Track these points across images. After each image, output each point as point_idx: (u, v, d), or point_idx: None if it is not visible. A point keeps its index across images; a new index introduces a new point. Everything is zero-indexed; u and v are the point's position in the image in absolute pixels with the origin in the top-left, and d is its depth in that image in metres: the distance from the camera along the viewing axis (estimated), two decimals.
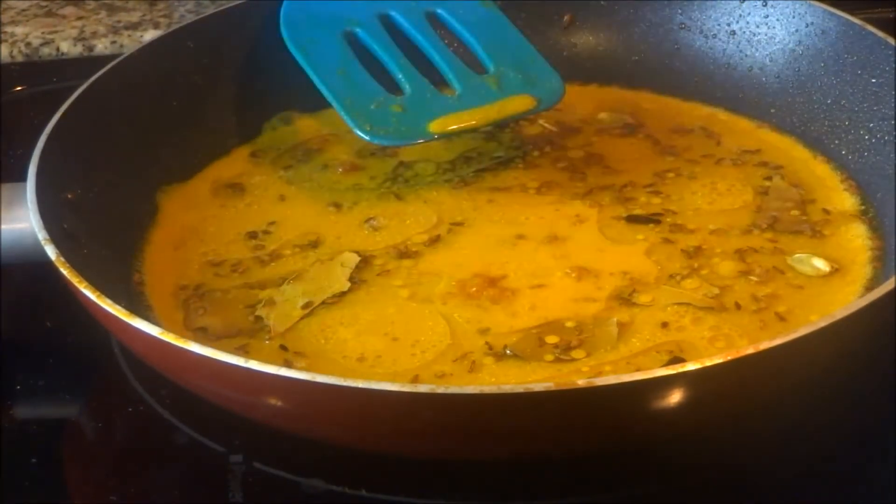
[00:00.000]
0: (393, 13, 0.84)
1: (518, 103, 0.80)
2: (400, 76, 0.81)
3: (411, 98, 0.79)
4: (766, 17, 0.85)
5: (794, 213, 0.75)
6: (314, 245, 0.74)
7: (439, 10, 0.84)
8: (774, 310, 0.68)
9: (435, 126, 0.78)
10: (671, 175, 0.79)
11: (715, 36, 0.87)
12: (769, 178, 0.78)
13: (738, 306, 0.68)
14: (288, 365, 0.65)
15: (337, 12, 0.83)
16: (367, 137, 0.78)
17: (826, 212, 0.75)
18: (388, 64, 0.81)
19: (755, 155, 0.81)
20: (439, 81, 0.81)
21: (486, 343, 0.67)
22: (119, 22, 1.05)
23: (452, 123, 0.78)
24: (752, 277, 0.70)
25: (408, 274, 0.72)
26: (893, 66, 0.77)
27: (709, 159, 0.80)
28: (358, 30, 0.82)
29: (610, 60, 0.89)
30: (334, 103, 0.79)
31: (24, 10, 1.08)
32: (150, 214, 0.77)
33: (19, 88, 0.99)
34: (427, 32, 0.83)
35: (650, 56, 0.89)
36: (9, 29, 1.04)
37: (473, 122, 0.79)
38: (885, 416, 0.67)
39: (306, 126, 0.85)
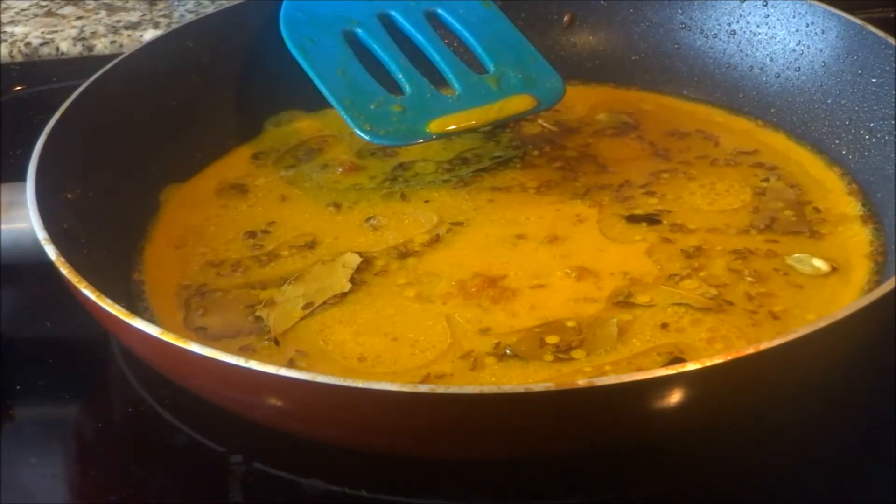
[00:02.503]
0: (393, 13, 0.84)
1: (518, 103, 0.80)
2: (400, 76, 0.81)
3: (411, 98, 0.79)
4: (767, 16, 0.85)
5: (793, 213, 0.75)
6: (311, 246, 0.74)
7: (439, 10, 0.84)
8: (772, 310, 0.68)
9: (435, 126, 0.78)
10: (666, 175, 0.79)
11: (715, 36, 0.87)
12: (766, 180, 0.78)
13: (735, 307, 0.68)
14: (288, 365, 0.65)
15: (337, 12, 0.83)
16: (367, 137, 0.78)
17: (825, 212, 0.75)
18: (388, 64, 0.81)
19: (751, 156, 0.81)
20: (439, 81, 0.81)
21: (487, 343, 0.67)
22: (119, 22, 1.05)
23: (452, 123, 0.78)
24: (749, 278, 0.70)
25: (408, 274, 0.72)
26: (893, 65, 0.77)
27: (703, 160, 0.80)
28: (358, 29, 0.82)
29: (610, 60, 0.89)
30: (334, 103, 0.79)
31: (23, 10, 1.08)
32: (151, 214, 0.77)
33: (19, 88, 0.99)
34: (427, 32, 0.83)
35: (650, 56, 0.89)
36: (8, 29, 1.04)
37: (473, 122, 0.79)
38: (885, 416, 0.67)
39: (306, 126, 0.85)
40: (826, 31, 0.82)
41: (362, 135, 0.78)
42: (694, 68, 0.88)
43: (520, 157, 0.81)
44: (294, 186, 0.80)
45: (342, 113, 0.78)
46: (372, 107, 0.78)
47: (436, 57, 0.82)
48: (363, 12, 0.83)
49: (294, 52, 0.80)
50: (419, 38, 0.83)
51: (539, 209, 0.76)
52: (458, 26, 0.84)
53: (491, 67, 0.82)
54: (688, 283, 0.70)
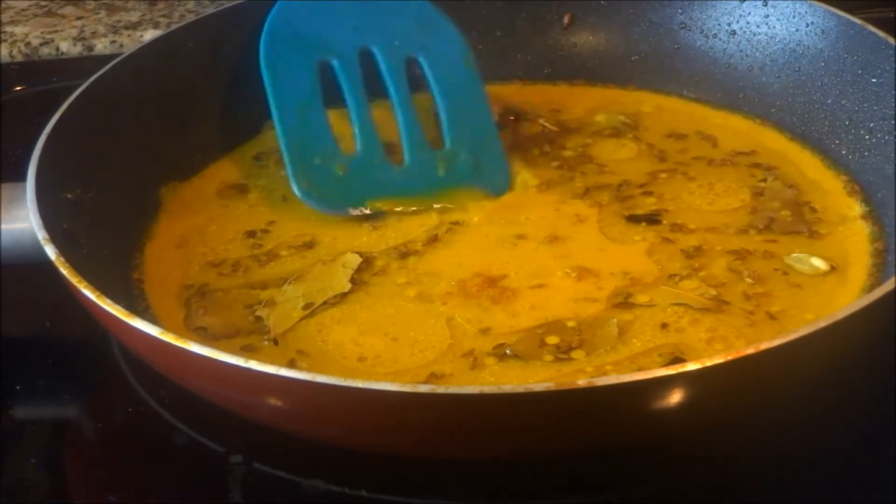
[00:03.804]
0: (375, 50, 0.80)
1: (462, 195, 0.78)
2: (356, 129, 0.78)
3: (359, 160, 0.77)
4: (767, 16, 0.85)
5: (790, 213, 0.75)
6: (310, 245, 0.74)
7: (421, 59, 0.80)
8: (769, 310, 0.68)
9: (373, 204, 0.76)
10: (664, 175, 0.79)
11: (715, 36, 0.87)
12: (764, 180, 0.78)
13: (733, 307, 0.68)
14: (288, 365, 0.65)
15: (321, 36, 0.79)
16: (299, 194, 0.76)
17: (822, 211, 0.75)
18: (351, 110, 0.78)
19: (749, 156, 0.81)
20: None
21: (487, 343, 0.67)
22: (119, 22, 1.05)
23: (391, 206, 0.77)
24: (748, 279, 0.70)
25: (408, 274, 0.72)
26: (893, 65, 0.77)
27: (701, 161, 0.80)
28: (335, 62, 0.79)
29: (610, 60, 0.89)
30: (282, 142, 0.76)
31: (23, 10, 1.08)
32: (151, 214, 0.77)
33: (19, 88, 0.99)
34: (400, 83, 0.80)
35: (650, 56, 0.89)
36: (8, 29, 1.04)
37: (413, 209, 0.77)
38: (885, 416, 0.67)
39: None
40: (826, 31, 0.82)
41: (296, 191, 0.76)
42: (694, 68, 0.88)
43: (520, 156, 0.81)
44: None
45: (285, 155, 0.76)
46: (317, 161, 0.76)
47: (399, 116, 0.79)
48: (346, 44, 0.80)
49: (263, 69, 0.78)
50: (390, 89, 0.80)
51: (539, 209, 0.76)
52: (432, 83, 0.80)
53: (447, 143, 0.79)
54: (687, 283, 0.70)
